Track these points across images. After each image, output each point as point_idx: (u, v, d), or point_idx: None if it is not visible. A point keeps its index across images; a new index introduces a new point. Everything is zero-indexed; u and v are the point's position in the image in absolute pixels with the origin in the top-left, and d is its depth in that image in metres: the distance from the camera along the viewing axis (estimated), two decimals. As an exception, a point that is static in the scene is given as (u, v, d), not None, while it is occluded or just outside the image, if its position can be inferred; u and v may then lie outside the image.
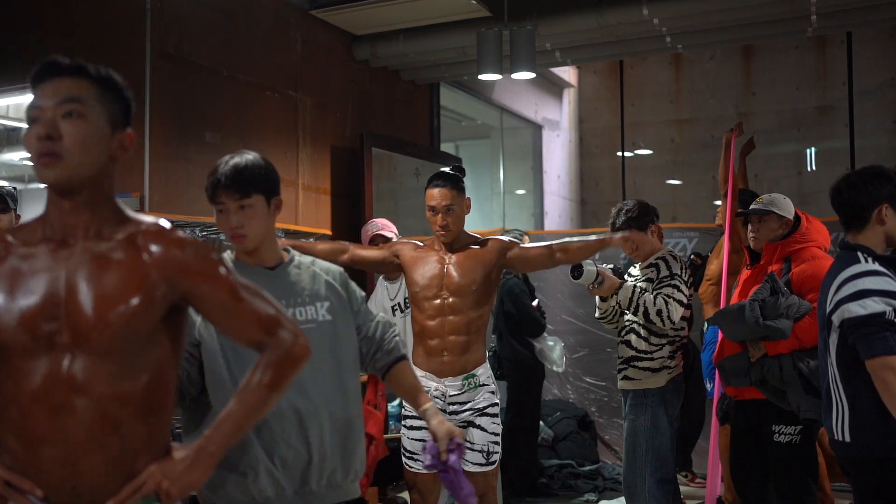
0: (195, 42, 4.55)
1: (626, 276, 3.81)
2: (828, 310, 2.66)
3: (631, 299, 3.61)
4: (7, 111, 7.58)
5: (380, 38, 5.92)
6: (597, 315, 3.92)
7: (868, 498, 2.65)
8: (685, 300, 3.66)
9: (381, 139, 6.00)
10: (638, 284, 3.69)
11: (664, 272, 3.66)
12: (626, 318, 3.77)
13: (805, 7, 5.19)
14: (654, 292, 3.62)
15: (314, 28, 5.54)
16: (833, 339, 2.65)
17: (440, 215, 3.25)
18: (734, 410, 3.77)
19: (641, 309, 3.59)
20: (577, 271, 3.56)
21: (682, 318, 3.70)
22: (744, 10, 5.30)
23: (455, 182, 3.30)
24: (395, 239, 4.03)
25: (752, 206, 3.68)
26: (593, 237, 3.34)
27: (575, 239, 3.43)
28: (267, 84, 5.09)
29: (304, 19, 5.44)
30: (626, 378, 3.74)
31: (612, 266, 3.85)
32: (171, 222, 1.63)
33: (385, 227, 4.41)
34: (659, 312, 3.57)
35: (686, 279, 3.68)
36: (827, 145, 8.31)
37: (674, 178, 9.00)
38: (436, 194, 3.26)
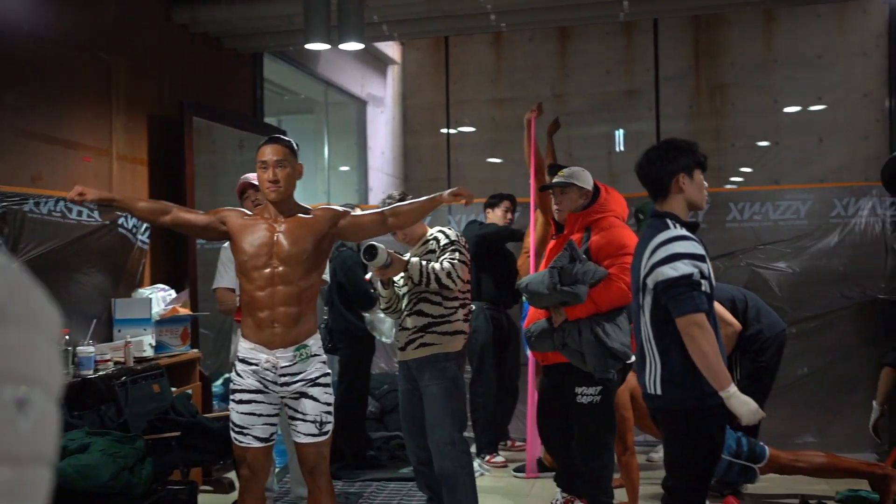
0: (-8, -6, 4.16)
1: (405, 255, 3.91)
2: (642, 273, 2.85)
3: (421, 272, 3.69)
4: None
5: (200, 2, 5.66)
6: (382, 306, 3.97)
7: (676, 444, 2.89)
8: (468, 263, 3.82)
9: (203, 108, 5.75)
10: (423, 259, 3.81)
11: (444, 241, 3.80)
12: (405, 298, 3.84)
13: (618, -9, 5.46)
14: (439, 259, 3.75)
15: (128, -13, 5.21)
16: (647, 301, 2.86)
17: (271, 170, 3.20)
18: (541, 375, 3.99)
19: (433, 276, 3.69)
20: (369, 253, 3.57)
21: (467, 280, 3.85)
22: (562, -9, 5.50)
23: (288, 143, 3.30)
24: None
25: (554, 180, 3.94)
26: (423, 198, 3.37)
27: (405, 202, 3.47)
28: (75, 44, 4.74)
29: (116, -23, 5.11)
30: (422, 345, 3.76)
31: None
32: None
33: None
34: (449, 274, 3.68)
35: (464, 245, 3.83)
36: (634, 127, 8.82)
37: (494, 157, 9.25)
38: (268, 150, 3.23)
